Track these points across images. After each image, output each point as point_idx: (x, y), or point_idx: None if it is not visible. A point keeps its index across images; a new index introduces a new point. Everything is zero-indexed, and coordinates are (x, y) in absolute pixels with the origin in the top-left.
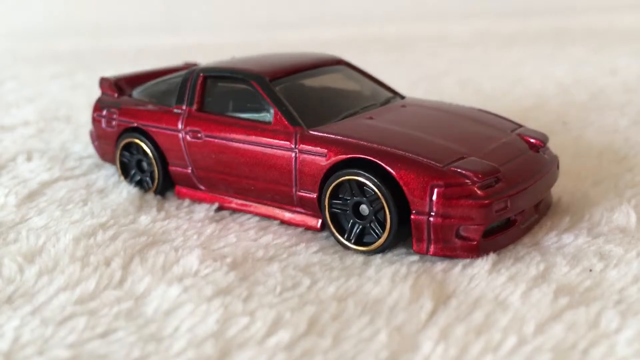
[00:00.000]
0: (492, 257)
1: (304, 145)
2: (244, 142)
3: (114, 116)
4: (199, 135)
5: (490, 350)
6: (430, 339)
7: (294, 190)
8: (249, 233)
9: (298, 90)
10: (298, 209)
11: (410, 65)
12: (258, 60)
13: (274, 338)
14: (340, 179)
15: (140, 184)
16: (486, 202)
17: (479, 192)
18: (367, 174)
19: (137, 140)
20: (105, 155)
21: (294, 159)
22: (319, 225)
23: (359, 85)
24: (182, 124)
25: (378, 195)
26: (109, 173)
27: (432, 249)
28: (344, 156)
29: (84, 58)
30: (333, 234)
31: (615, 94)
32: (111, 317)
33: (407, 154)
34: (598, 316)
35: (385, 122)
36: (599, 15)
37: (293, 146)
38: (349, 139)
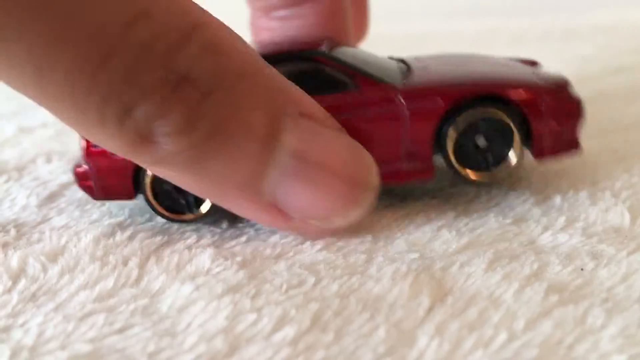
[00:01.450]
0: (488, 255)
1: (408, 101)
2: (335, 115)
3: None
4: None
5: (482, 345)
6: (426, 334)
7: (401, 148)
8: (259, 232)
9: (350, 57)
10: (403, 165)
11: None
12: (280, 43)
13: (280, 333)
14: (471, 115)
15: (180, 207)
16: (579, 99)
17: (571, 93)
18: (494, 106)
19: None
20: (109, 191)
21: (403, 116)
22: (432, 173)
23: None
24: None
25: (505, 124)
26: None
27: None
28: (459, 98)
29: None
30: (457, 171)
31: (618, 94)
32: (128, 314)
33: (508, 81)
34: (585, 313)
35: (447, 67)
36: (607, 12)
37: (399, 104)
38: (448, 83)
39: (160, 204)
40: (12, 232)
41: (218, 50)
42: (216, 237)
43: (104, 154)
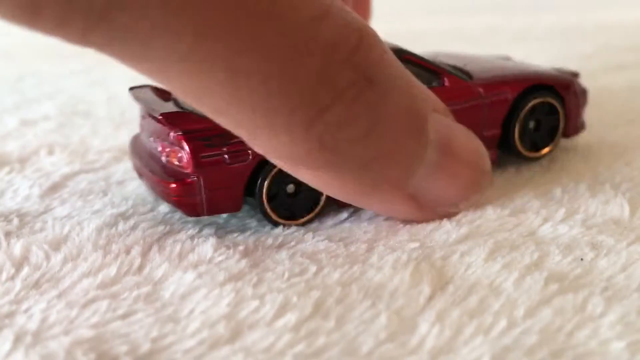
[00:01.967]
0: (488, 245)
1: (486, 92)
2: None
3: (244, 144)
4: None
5: (482, 332)
6: (427, 321)
7: (480, 134)
8: (261, 222)
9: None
10: None
11: None
12: None
13: (281, 320)
14: (532, 102)
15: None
16: (586, 88)
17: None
18: (551, 95)
19: None
20: (218, 205)
21: (483, 106)
22: (496, 153)
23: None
24: None
25: (558, 110)
26: (128, 166)
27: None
28: (522, 88)
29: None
30: (515, 146)
31: (619, 91)
32: (131, 300)
33: (548, 74)
34: (585, 302)
35: (485, 65)
36: (608, 11)
37: (480, 96)
38: (509, 77)
39: (274, 211)
40: (15, 221)
41: (384, 51)
42: (218, 228)
43: (217, 164)
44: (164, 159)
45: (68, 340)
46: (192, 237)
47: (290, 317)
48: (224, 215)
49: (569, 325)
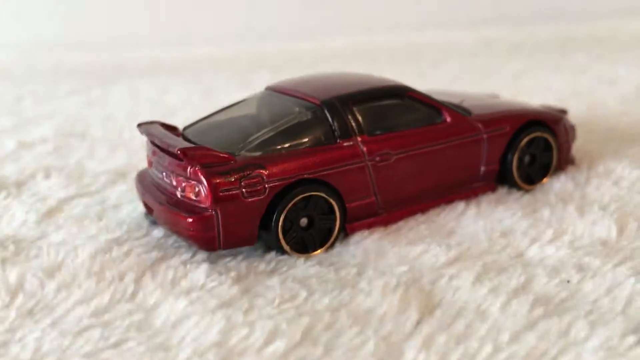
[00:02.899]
0: (476, 268)
1: (485, 128)
2: (434, 145)
3: (261, 179)
4: (389, 156)
5: (468, 357)
6: (414, 347)
7: (480, 168)
8: (257, 250)
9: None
10: (474, 185)
11: (416, 74)
12: (358, 76)
13: (271, 347)
14: (531, 135)
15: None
16: (574, 125)
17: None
18: (546, 130)
19: (318, 193)
20: (234, 238)
21: (483, 141)
22: (495, 186)
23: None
24: (365, 154)
25: (552, 144)
26: (123, 189)
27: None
28: (520, 124)
29: (97, 71)
30: (514, 178)
31: (612, 104)
32: (123, 329)
33: (539, 110)
34: (569, 326)
35: (480, 102)
36: (603, 23)
37: (480, 131)
38: (506, 113)
39: (287, 243)
40: (11, 247)
41: None
42: (211, 253)
43: (235, 198)
44: (179, 193)
45: None
46: (185, 263)
47: (279, 344)
48: None
49: (553, 350)
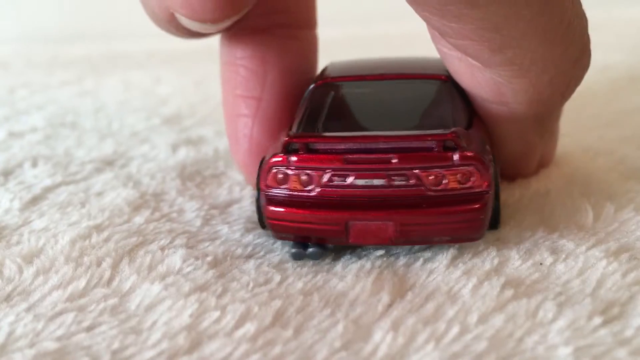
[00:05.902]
0: (452, 252)
1: None
2: None
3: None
4: None
5: (434, 339)
6: (383, 329)
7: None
8: (235, 234)
9: None
10: None
11: None
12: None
13: (241, 330)
14: None
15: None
16: None
17: None
18: None
19: None
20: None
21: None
22: None
23: None
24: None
25: None
26: (108, 177)
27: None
28: None
29: (92, 63)
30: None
31: (601, 91)
32: (97, 313)
33: None
34: (537, 307)
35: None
36: (596, 11)
37: None
38: None
39: None
40: None
41: None
42: (190, 237)
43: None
44: (432, 188)
45: (32, 353)
46: (163, 248)
47: (250, 327)
48: (197, 224)
49: (520, 331)
